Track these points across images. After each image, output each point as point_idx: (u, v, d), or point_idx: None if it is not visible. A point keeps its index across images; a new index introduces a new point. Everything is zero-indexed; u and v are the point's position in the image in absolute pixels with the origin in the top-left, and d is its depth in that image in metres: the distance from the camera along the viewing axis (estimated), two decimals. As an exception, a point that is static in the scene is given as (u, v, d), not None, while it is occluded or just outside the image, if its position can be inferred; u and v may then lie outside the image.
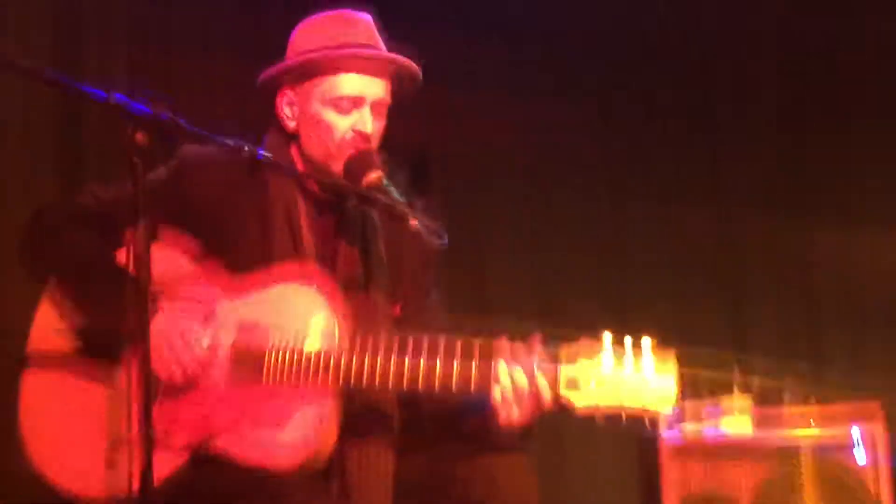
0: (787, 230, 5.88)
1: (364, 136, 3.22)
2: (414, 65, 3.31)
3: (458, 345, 2.97)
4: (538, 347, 2.98)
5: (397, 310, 3.34)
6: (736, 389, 4.57)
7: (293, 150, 3.30)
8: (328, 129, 3.23)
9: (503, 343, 3.00)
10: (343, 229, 3.29)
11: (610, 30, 5.82)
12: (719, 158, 6.02)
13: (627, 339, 3.00)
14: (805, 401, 4.54)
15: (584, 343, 2.98)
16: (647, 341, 3.00)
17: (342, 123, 3.23)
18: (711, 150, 6.01)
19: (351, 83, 3.23)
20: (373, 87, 3.25)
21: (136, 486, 2.55)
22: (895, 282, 5.74)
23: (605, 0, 5.79)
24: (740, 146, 5.98)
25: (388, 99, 3.30)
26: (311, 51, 3.25)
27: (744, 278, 5.93)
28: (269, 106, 3.34)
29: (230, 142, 2.91)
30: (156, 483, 2.58)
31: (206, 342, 3.05)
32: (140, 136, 2.59)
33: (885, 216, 5.78)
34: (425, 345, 2.98)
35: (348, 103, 3.23)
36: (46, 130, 4.65)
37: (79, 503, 3.08)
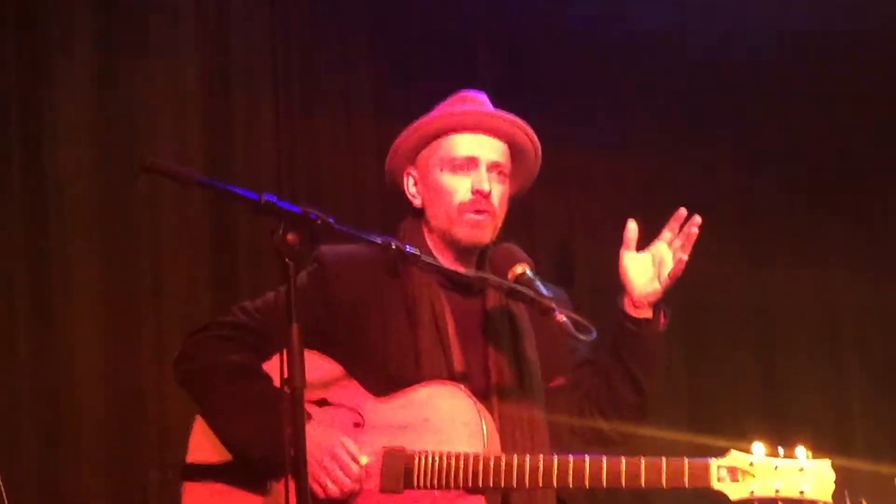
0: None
1: (483, 195, 3.23)
2: (527, 126, 3.34)
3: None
4: None
5: (561, 381, 3.35)
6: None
7: (424, 231, 3.33)
8: (448, 193, 3.26)
9: None
10: (490, 329, 3.29)
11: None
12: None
13: (780, 450, 2.97)
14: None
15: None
16: (801, 450, 2.96)
17: (460, 185, 3.25)
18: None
19: (464, 142, 3.27)
20: (487, 147, 3.28)
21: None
22: None
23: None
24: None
25: (507, 164, 3.31)
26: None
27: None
28: (402, 196, 3.40)
29: (378, 239, 2.95)
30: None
31: (363, 460, 3.07)
32: (290, 237, 2.64)
33: None
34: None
35: (463, 163, 3.26)
36: (201, 241, 4.79)
37: None
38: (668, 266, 3.19)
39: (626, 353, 3.25)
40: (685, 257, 3.17)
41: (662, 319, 3.26)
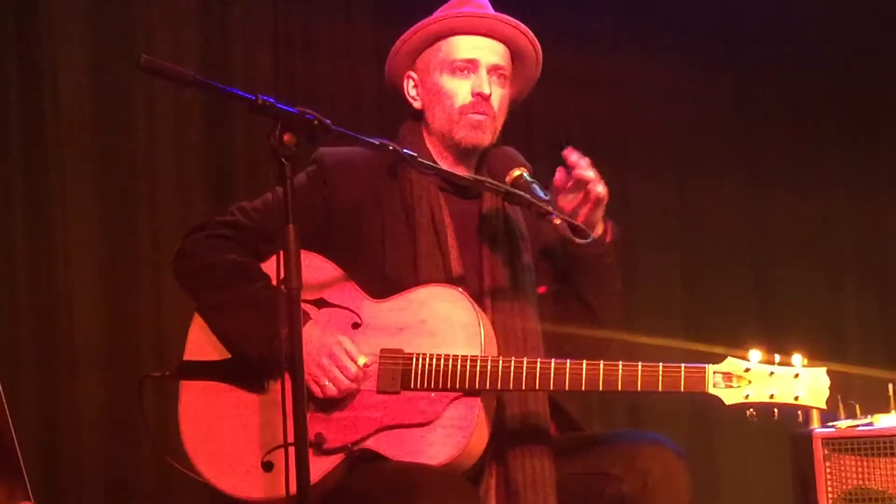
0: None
1: (483, 97, 3.24)
2: (528, 30, 3.33)
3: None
4: None
5: (544, 289, 3.36)
6: (893, 408, 4.45)
7: (424, 134, 3.34)
8: (448, 95, 3.27)
9: None
10: (486, 232, 3.30)
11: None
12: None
13: (776, 357, 2.97)
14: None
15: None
16: (797, 358, 2.97)
17: (461, 88, 3.27)
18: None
19: (464, 45, 3.28)
20: (487, 50, 3.28)
21: (293, 487, 2.61)
22: None
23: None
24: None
25: (508, 67, 3.32)
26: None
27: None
28: (401, 101, 3.39)
29: (375, 141, 2.94)
30: (311, 484, 2.63)
31: (361, 360, 3.08)
32: (287, 137, 2.63)
33: None
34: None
35: (464, 65, 3.27)
36: (196, 146, 4.78)
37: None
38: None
39: (574, 273, 3.29)
40: (595, 190, 3.11)
41: (609, 237, 3.24)
